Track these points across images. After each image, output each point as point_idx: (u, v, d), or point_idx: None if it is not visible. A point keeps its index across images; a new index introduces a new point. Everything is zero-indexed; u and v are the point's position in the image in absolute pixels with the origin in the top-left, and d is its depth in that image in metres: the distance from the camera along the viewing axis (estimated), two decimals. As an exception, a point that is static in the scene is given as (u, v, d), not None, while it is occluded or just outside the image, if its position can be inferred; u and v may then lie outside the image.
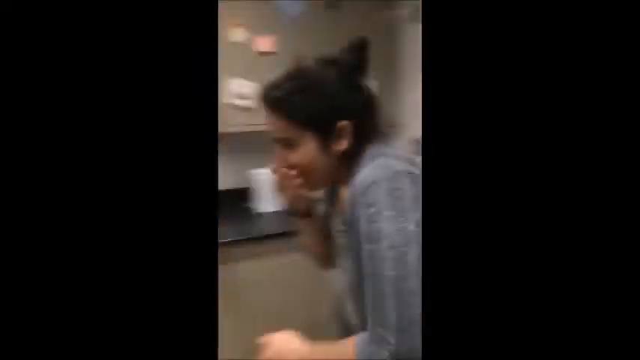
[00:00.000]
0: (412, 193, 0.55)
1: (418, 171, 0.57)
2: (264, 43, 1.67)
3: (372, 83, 0.69)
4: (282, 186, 0.71)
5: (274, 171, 0.69)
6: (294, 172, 0.67)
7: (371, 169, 0.58)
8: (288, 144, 0.65)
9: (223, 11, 1.54)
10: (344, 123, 0.63)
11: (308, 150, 0.64)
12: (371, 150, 0.63)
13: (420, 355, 0.52)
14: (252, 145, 1.79)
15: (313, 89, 0.63)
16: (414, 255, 0.53)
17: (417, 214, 0.54)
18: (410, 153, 0.70)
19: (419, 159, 0.57)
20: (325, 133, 0.63)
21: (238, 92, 1.66)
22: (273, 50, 1.68)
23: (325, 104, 0.62)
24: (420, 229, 0.54)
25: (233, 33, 1.62)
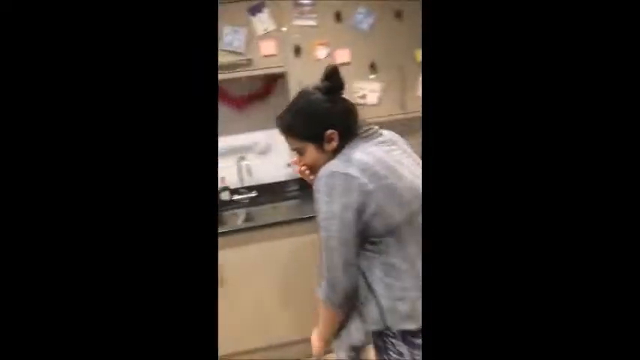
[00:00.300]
0: (341, 187, 0.83)
1: (353, 169, 0.84)
2: (342, 56, 2.02)
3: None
4: (303, 176, 1.06)
5: (297, 168, 1.05)
6: (305, 169, 1.01)
7: (323, 169, 0.88)
8: (299, 152, 0.97)
9: (312, 33, 1.94)
10: (330, 131, 0.91)
11: (311, 154, 0.95)
12: (347, 146, 0.91)
13: (341, 287, 0.86)
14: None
15: (305, 113, 0.93)
16: (336, 225, 0.84)
17: (343, 199, 0.82)
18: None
19: (366, 158, 0.85)
20: (319, 141, 0.93)
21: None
22: (349, 61, 2.01)
23: (314, 122, 0.92)
24: (343, 209, 0.82)
25: (318, 51, 2.02)
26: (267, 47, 1.97)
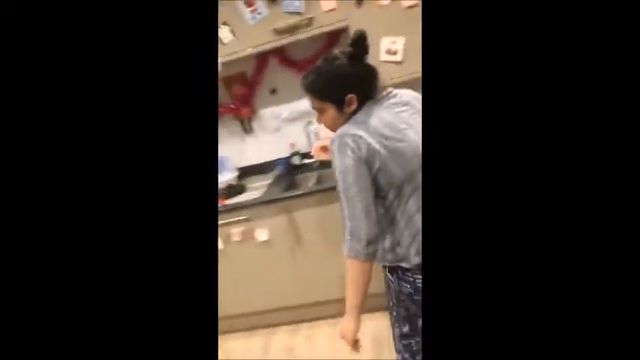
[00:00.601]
0: (351, 145, 0.93)
1: (361, 131, 0.94)
2: (409, -1, 1.85)
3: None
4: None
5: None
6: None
7: (335, 133, 0.98)
8: (320, 111, 1.05)
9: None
10: (350, 95, 0.99)
11: (330, 114, 1.04)
12: (365, 110, 1.00)
13: (364, 233, 0.93)
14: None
15: (329, 76, 1.01)
16: (352, 176, 0.93)
17: (354, 155, 0.93)
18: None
19: (375, 122, 0.96)
20: (339, 103, 1.01)
21: (389, 49, 1.95)
22: (417, 2, 1.84)
23: (336, 85, 1.00)
24: (355, 162, 0.93)
25: (383, -4, 1.85)
26: (328, 3, 1.90)
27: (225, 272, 2.15)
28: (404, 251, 1.03)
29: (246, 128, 2.44)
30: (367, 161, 0.94)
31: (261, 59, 2.29)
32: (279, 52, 2.24)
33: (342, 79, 0.99)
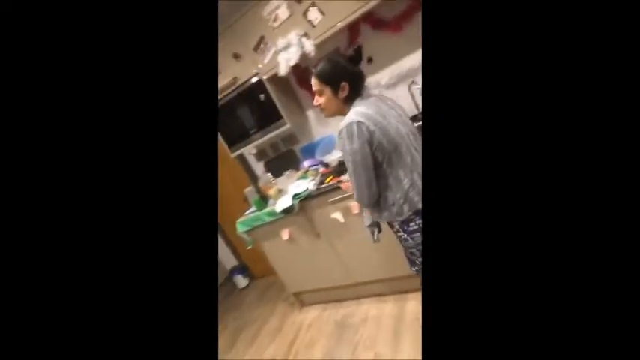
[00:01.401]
0: (357, 131, 1.25)
1: (362, 118, 1.25)
2: None
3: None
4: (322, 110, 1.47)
5: (316, 105, 1.43)
6: (320, 105, 1.40)
7: (347, 118, 1.28)
8: (319, 93, 1.37)
9: None
10: (344, 82, 1.33)
11: (327, 96, 1.36)
12: (357, 102, 1.32)
13: (366, 200, 1.35)
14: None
15: (333, 65, 1.34)
16: (359, 156, 1.27)
17: (360, 139, 1.25)
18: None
19: (369, 111, 1.28)
20: (335, 87, 1.34)
21: None
22: None
23: (336, 72, 1.33)
24: (361, 145, 1.25)
25: None
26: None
27: (349, 243, 2.24)
28: (398, 208, 1.36)
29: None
30: (369, 142, 1.25)
31: (353, 29, 2.26)
32: (369, 17, 2.18)
33: (342, 70, 1.33)
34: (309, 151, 2.75)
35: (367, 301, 2.44)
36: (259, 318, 2.93)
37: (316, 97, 1.39)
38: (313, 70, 1.37)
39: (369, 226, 1.60)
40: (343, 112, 1.35)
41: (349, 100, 1.34)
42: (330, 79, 1.33)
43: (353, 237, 2.24)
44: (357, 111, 1.28)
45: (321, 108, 1.40)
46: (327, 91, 1.35)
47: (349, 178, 1.35)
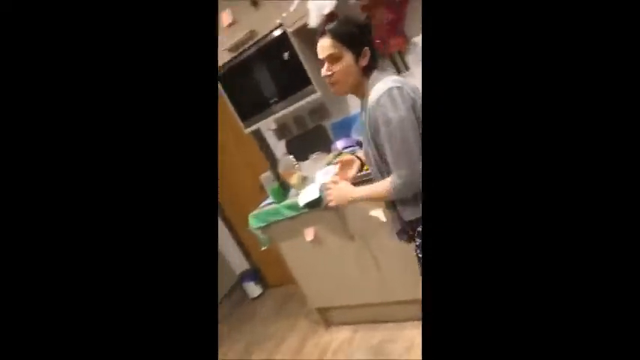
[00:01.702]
0: (399, 96, 1.14)
1: (398, 83, 1.17)
2: None
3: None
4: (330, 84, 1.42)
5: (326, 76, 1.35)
6: (332, 76, 1.31)
7: (380, 85, 1.18)
8: (336, 59, 1.22)
9: None
10: (367, 48, 1.23)
11: (346, 63, 1.21)
12: (377, 74, 1.25)
13: (417, 181, 1.15)
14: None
15: (353, 25, 1.24)
16: (408, 124, 1.13)
17: (405, 105, 1.14)
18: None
19: (398, 77, 1.27)
20: (357, 53, 1.22)
21: None
22: None
23: (359, 34, 1.23)
24: (407, 111, 1.13)
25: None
26: None
27: (391, 249, 1.99)
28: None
29: (399, 66, 2.05)
30: (413, 108, 1.15)
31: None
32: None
33: (364, 31, 1.23)
34: (344, 127, 2.42)
35: (411, 325, 2.12)
36: (276, 335, 2.74)
37: (327, 64, 1.21)
38: (327, 29, 1.20)
39: (400, 232, 1.43)
40: (358, 90, 1.24)
41: (368, 72, 1.22)
42: (353, 42, 1.19)
43: (397, 242, 1.85)
44: (388, 79, 1.18)
45: (333, 81, 1.22)
46: (348, 57, 1.19)
47: (392, 155, 1.18)
